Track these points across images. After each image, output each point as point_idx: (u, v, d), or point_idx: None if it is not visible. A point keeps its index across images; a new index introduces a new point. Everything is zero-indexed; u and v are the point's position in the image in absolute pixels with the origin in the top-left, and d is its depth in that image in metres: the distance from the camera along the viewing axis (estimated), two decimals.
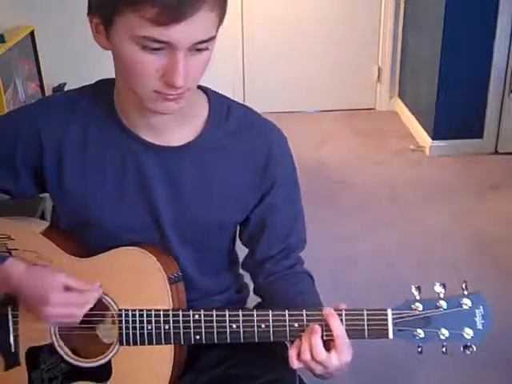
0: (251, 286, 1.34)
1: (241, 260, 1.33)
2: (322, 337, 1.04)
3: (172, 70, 0.98)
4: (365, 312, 1.04)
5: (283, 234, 1.24)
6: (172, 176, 1.15)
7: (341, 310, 1.05)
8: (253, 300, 1.35)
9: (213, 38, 1.00)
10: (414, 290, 1.04)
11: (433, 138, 3.83)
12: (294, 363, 1.05)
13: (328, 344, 1.04)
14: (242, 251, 1.31)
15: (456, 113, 3.75)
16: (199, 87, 1.16)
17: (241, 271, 1.35)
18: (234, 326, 1.07)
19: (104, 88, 1.16)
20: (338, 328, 1.04)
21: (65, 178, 1.15)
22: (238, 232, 1.28)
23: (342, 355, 1.03)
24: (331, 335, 1.04)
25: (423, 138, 3.94)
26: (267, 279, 1.25)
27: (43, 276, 1.11)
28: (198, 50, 0.99)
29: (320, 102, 4.59)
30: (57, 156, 1.14)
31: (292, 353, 1.05)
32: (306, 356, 1.03)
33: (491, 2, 3.52)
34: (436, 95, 3.71)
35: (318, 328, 1.04)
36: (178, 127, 1.13)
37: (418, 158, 3.83)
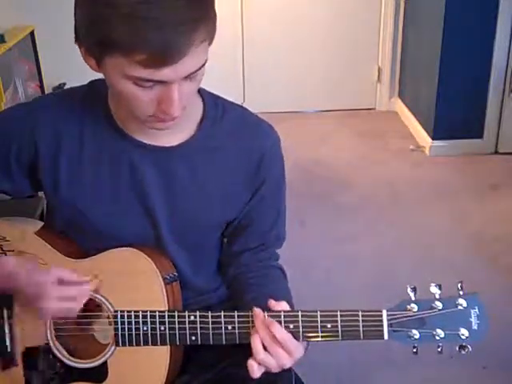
0: None
1: None
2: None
3: (167, 102, 0.99)
4: (360, 313, 1.04)
5: (263, 230, 1.26)
6: (166, 176, 1.15)
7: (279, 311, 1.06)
8: None
9: (205, 63, 1.00)
10: (409, 291, 1.04)
11: (433, 138, 3.83)
12: (255, 372, 1.04)
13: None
14: None
15: (456, 113, 3.75)
16: None
17: None
18: (230, 327, 1.07)
19: (98, 89, 1.16)
20: (282, 333, 1.04)
21: (59, 179, 1.15)
22: None
23: (294, 355, 1.05)
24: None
25: (423, 138, 3.94)
26: (239, 269, 1.26)
27: (37, 270, 1.11)
28: (192, 76, 1.00)
29: (320, 102, 4.58)
30: (52, 157, 1.14)
31: (252, 362, 1.04)
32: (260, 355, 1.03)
33: (491, 2, 3.51)
34: (436, 95, 3.70)
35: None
36: (172, 128, 1.13)
37: (418, 158, 3.83)
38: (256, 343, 1.03)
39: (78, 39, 1.02)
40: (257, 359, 1.03)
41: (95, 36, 0.96)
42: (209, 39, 0.99)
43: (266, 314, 1.05)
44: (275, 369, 1.05)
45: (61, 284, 1.10)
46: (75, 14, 1.00)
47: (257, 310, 1.05)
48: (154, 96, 0.99)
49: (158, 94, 0.99)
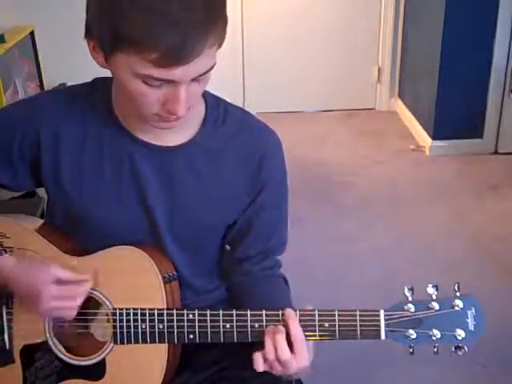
0: None
1: None
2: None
3: (173, 102, 1.00)
4: (357, 313, 1.04)
5: (265, 236, 1.24)
6: (167, 176, 1.15)
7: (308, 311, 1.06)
8: None
9: (214, 66, 1.01)
10: (406, 292, 1.04)
11: (433, 138, 3.83)
12: (260, 366, 1.04)
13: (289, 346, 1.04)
14: None
15: (456, 113, 3.75)
16: None
17: None
18: (228, 325, 1.08)
19: (102, 87, 1.16)
20: (296, 330, 1.04)
21: (61, 176, 1.15)
22: None
23: (300, 358, 1.03)
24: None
25: (423, 138, 3.94)
26: (243, 278, 1.25)
27: (34, 270, 1.11)
28: (201, 78, 1.01)
29: (320, 102, 4.58)
30: (54, 153, 1.15)
31: (258, 355, 1.04)
32: (271, 356, 1.03)
33: (491, 2, 3.51)
34: (436, 95, 3.70)
35: (281, 327, 1.05)
36: (174, 128, 1.13)
37: (418, 158, 3.83)
38: (283, 342, 1.03)
39: (88, 34, 1.02)
40: (281, 358, 1.03)
41: (109, 29, 0.95)
42: (219, 42, 1.00)
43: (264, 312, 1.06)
44: (278, 371, 1.05)
45: (59, 283, 1.10)
46: (88, 5, 1.00)
47: (289, 310, 1.06)
48: (161, 95, 1.00)
49: (166, 93, 0.99)
